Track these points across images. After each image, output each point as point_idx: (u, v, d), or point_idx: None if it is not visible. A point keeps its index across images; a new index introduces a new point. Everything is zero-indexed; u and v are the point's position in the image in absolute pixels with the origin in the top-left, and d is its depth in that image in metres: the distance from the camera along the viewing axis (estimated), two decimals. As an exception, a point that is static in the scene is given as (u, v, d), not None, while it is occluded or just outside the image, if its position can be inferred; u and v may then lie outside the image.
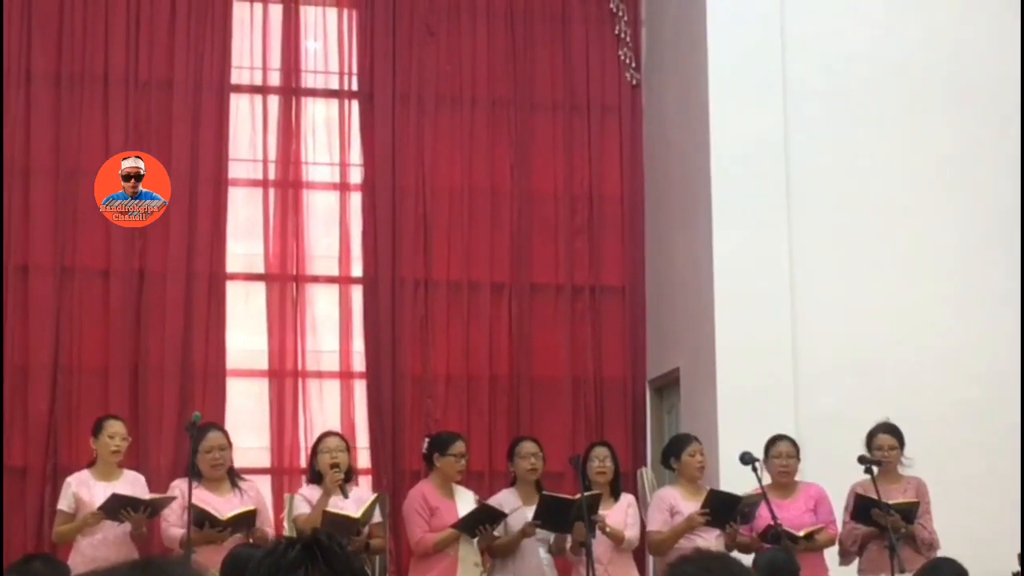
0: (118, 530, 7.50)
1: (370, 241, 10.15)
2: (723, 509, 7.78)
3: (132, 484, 7.68)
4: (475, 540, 7.84)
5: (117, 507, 7.36)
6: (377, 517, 7.87)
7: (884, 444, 8.06)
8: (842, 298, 9.31)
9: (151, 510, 7.46)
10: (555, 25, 10.65)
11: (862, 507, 7.83)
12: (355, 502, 7.74)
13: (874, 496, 7.68)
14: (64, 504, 7.64)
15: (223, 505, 7.50)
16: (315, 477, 7.85)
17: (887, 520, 7.64)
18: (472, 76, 10.46)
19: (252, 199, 10.15)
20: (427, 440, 8.30)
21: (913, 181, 9.54)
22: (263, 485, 8.77)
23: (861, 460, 7.76)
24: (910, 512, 7.79)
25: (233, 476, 7.78)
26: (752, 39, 9.47)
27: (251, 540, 7.31)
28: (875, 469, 7.73)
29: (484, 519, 7.79)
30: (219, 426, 8.20)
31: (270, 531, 7.74)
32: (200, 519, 7.30)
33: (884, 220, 9.47)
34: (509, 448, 8.35)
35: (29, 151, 9.69)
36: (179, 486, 7.57)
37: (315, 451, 7.94)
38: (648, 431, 10.34)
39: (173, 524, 7.52)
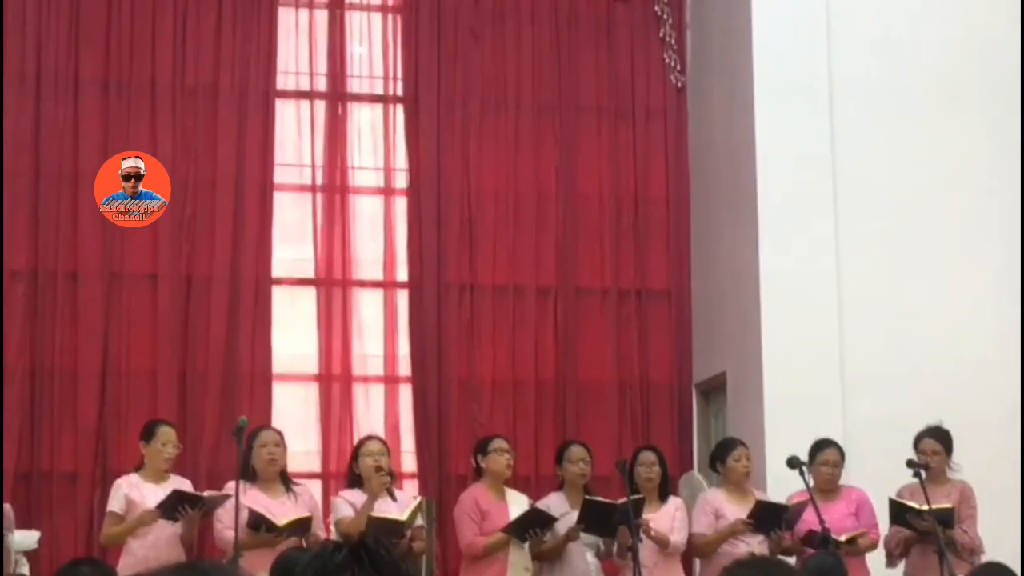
0: (169, 531, 7.50)
1: (415, 245, 10.16)
2: (769, 518, 7.76)
3: (179, 488, 7.69)
4: (525, 545, 7.83)
5: (176, 504, 7.36)
6: (419, 521, 7.86)
7: (928, 449, 8.03)
8: (889, 302, 9.25)
9: (206, 508, 7.48)
10: (600, 29, 10.63)
11: (896, 512, 7.81)
12: (400, 506, 7.74)
13: (912, 501, 7.67)
14: (115, 506, 7.62)
15: (277, 508, 7.51)
16: (355, 480, 7.84)
17: (922, 525, 7.62)
18: (517, 80, 10.46)
19: (298, 204, 10.20)
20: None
21: (961, 185, 9.47)
22: (312, 489, 8.78)
23: (910, 464, 7.72)
24: (946, 517, 7.72)
25: (286, 479, 7.80)
26: (798, 42, 9.43)
27: (304, 544, 7.32)
28: (923, 473, 7.69)
29: (534, 523, 7.77)
30: (272, 427, 8.25)
31: (322, 535, 7.75)
32: (257, 523, 7.30)
33: (932, 224, 9.40)
34: (557, 452, 8.34)
35: (77, 158, 9.74)
36: (233, 487, 7.52)
37: (356, 454, 7.94)
38: (695, 435, 10.30)
39: (227, 526, 7.43)
